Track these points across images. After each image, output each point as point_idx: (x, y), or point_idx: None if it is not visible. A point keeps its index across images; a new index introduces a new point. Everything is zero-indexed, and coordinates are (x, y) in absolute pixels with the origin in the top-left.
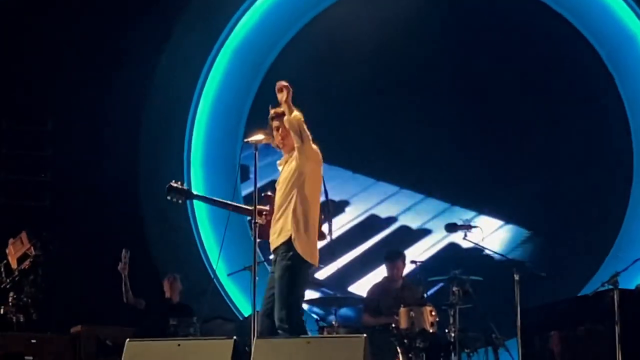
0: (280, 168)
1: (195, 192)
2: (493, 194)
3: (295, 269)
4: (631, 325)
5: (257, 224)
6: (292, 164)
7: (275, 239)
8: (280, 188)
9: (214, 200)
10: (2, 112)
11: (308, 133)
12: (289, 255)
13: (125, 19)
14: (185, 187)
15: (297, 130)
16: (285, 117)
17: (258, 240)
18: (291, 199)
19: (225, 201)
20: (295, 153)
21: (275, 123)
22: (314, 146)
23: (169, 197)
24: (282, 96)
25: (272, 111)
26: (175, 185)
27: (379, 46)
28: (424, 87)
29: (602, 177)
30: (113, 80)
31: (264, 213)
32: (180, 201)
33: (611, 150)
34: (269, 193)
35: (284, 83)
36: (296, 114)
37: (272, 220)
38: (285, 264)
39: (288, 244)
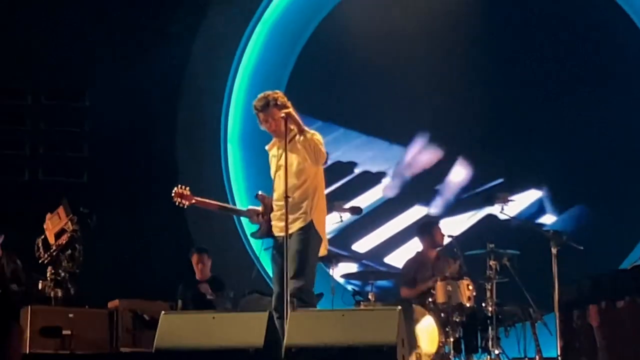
0: (271, 153)
1: (197, 198)
2: (533, 163)
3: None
4: None
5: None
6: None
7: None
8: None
9: (213, 204)
10: (41, 89)
11: (324, 152)
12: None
13: None
14: (188, 191)
15: (312, 152)
16: (301, 138)
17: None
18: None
19: (225, 205)
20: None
21: (261, 116)
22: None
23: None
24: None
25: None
26: (180, 190)
27: (418, 19)
28: (451, 50)
29: None
30: (150, 56)
31: (259, 214)
32: (184, 206)
33: None
34: (260, 192)
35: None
36: (313, 134)
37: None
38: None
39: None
